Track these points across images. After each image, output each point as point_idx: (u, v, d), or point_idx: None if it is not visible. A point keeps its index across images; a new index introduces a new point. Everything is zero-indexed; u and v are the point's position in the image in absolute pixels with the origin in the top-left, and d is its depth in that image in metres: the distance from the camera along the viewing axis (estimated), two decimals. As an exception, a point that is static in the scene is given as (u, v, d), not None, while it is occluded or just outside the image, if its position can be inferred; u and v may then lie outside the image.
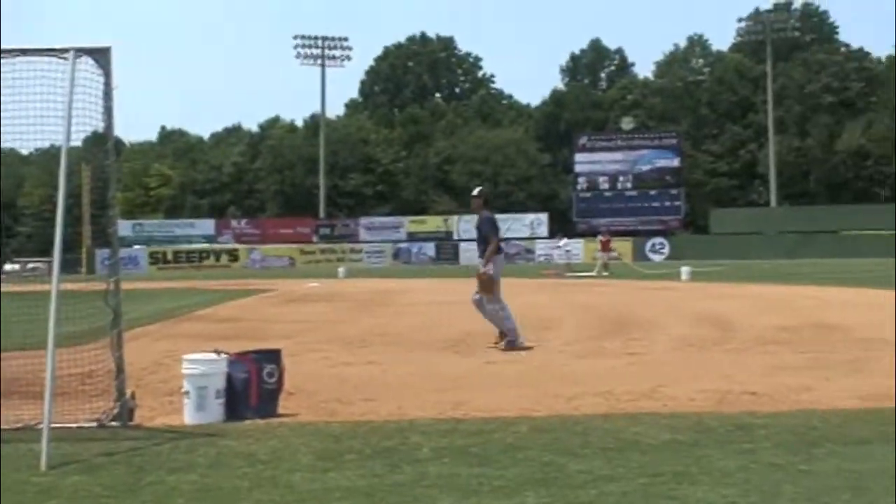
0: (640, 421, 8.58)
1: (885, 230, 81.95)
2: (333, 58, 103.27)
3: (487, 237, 15.28)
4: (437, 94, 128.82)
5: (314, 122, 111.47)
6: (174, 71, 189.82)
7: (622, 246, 70.13)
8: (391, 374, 12.36)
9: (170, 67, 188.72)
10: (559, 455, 7.22)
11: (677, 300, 28.05)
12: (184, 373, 9.06)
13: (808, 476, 6.56)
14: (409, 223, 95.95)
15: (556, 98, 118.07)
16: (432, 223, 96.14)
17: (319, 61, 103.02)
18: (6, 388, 9.49)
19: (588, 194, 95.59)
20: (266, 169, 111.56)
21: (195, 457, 7.40)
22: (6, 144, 9.65)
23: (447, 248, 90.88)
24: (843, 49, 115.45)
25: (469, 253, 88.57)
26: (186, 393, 8.97)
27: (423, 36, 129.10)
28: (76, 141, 8.66)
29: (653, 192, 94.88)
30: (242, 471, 6.94)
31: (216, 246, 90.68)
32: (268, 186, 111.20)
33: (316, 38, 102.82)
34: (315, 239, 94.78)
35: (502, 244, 15.86)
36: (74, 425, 8.57)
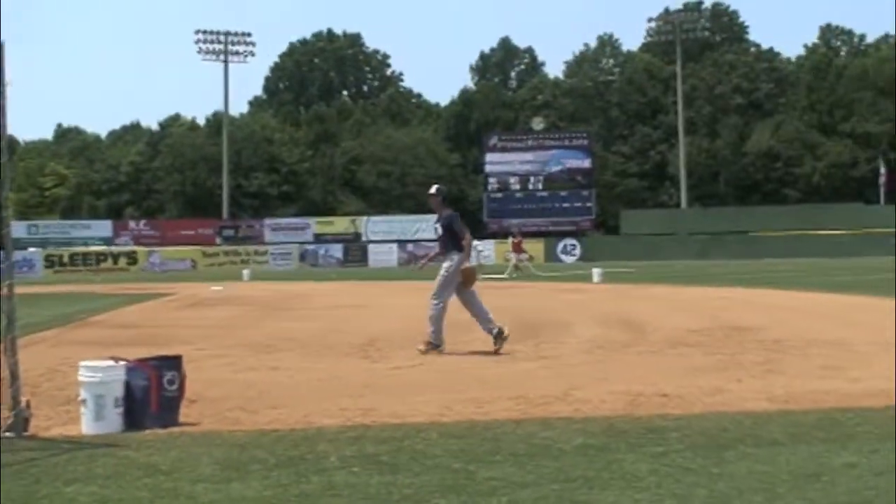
0: (551, 425, 8.61)
1: (793, 230, 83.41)
2: (237, 53, 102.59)
3: (460, 234, 15.32)
4: (345, 92, 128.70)
5: (216, 120, 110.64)
6: (70, 66, 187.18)
7: (534, 247, 70.51)
8: (297, 380, 12.27)
9: (66, 62, 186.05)
10: (470, 462, 7.22)
11: (589, 302, 28.26)
12: (80, 380, 8.90)
13: (720, 479, 6.63)
14: (315, 224, 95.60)
15: (465, 97, 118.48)
16: (340, 224, 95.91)
17: (222, 57, 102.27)
18: None
19: (499, 195, 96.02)
20: (166, 168, 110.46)
21: (93, 468, 7.28)
22: None
23: (355, 250, 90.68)
24: (752, 49, 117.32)
25: (379, 255, 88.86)
26: (84, 401, 8.82)
27: (330, 32, 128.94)
28: (-33, 139, 8.48)
29: (564, 193, 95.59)
30: (142, 482, 6.84)
31: (114, 248, 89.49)
32: (168, 186, 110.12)
33: (218, 33, 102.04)
34: (218, 241, 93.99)
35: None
36: (-34, 436, 8.39)
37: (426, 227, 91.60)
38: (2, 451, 7.78)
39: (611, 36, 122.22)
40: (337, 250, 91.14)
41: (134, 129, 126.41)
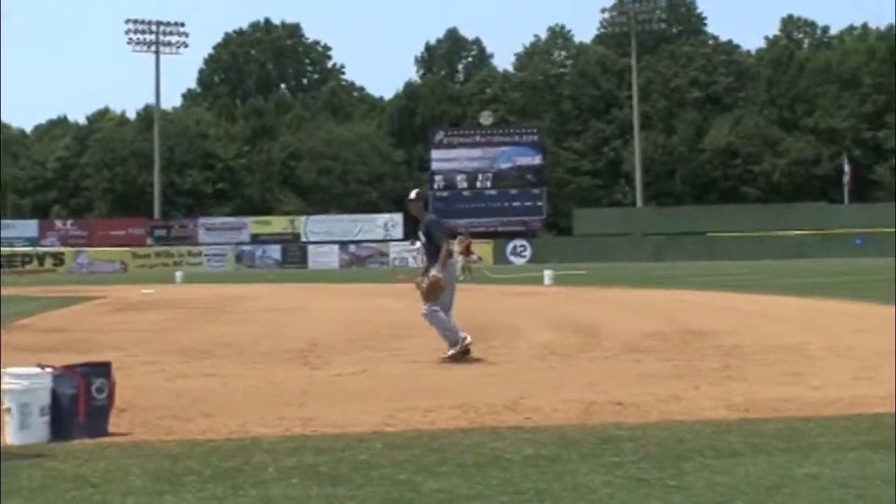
0: (500, 435, 8.62)
1: (753, 232, 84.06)
2: (168, 44, 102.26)
3: (439, 242, 14.99)
4: (283, 85, 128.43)
5: (147, 114, 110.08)
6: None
7: (482, 249, 70.64)
8: (233, 387, 12.23)
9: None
10: (415, 473, 7.22)
11: (540, 305, 28.37)
12: (4, 388, 8.82)
13: (677, 491, 6.66)
14: (252, 224, 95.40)
15: (410, 91, 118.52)
16: (278, 224, 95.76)
17: (153, 48, 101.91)
18: None
19: (445, 193, 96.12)
20: (94, 165, 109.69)
21: (18, 480, 7.21)
22: None
23: (294, 251, 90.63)
24: (710, 42, 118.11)
25: (319, 257, 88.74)
26: (7, 410, 8.74)
27: (267, 22, 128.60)
28: None
29: (513, 192, 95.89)
30: (70, 494, 6.79)
31: (40, 249, 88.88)
32: (96, 184, 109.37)
33: (149, 22, 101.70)
34: (149, 241, 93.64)
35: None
36: None
37: (368, 227, 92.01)
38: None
39: (563, 27, 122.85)
40: (275, 251, 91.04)
41: (60, 123, 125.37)
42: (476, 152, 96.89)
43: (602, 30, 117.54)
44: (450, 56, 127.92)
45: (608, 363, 14.14)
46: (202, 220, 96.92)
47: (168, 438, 8.78)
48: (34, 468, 7.58)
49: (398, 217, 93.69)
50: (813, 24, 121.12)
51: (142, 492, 6.84)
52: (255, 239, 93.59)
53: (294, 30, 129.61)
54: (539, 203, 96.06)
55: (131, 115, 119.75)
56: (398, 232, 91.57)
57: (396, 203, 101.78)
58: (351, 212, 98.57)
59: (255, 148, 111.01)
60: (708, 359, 14.28)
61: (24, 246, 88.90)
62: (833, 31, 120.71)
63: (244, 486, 6.93)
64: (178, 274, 59.36)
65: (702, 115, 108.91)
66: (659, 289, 36.14)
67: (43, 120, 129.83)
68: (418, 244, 55.35)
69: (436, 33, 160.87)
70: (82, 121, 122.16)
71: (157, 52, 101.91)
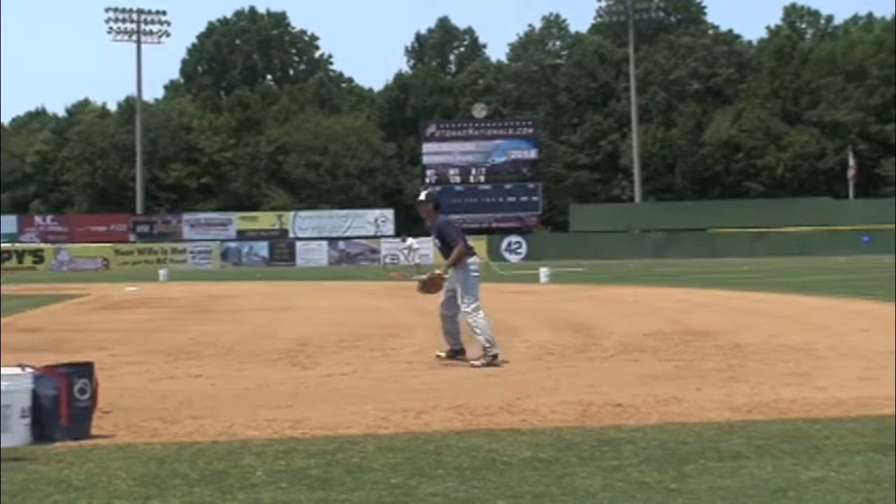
0: (497, 437, 8.64)
1: (755, 228, 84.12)
2: (150, 33, 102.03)
3: (454, 244, 14.78)
4: (269, 76, 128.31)
5: (129, 106, 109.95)
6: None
7: (475, 245, 70.53)
8: (220, 388, 12.24)
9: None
10: (409, 476, 7.23)
11: (536, 304, 28.41)
12: (-17, 390, 8.84)
13: (679, 495, 6.68)
14: (238, 220, 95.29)
15: (400, 82, 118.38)
16: (265, 220, 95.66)
17: (135, 37, 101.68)
18: None
19: (437, 188, 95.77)
20: (75, 158, 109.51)
21: (0, 484, 7.23)
22: None
23: (282, 248, 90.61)
24: (710, 31, 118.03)
25: (308, 254, 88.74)
26: (-13, 412, 8.76)
27: (252, 10, 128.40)
28: None
29: (508, 186, 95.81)
30: (53, 499, 6.80)
31: (18, 245, 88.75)
32: (77, 178, 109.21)
33: (130, 10, 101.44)
34: (132, 237, 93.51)
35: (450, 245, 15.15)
36: None
37: (358, 223, 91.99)
38: None
39: (557, 16, 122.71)
40: (262, 248, 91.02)
41: (39, 115, 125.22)
42: (469, 146, 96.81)
43: (598, 19, 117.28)
44: (441, 46, 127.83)
45: (607, 364, 14.17)
46: (186, 216, 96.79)
47: (153, 441, 8.79)
48: (15, 471, 7.58)
49: (389, 213, 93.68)
50: (816, 14, 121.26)
51: (127, 496, 6.85)
52: (242, 235, 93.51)
53: (280, 19, 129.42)
54: (534, 198, 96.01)
55: (112, 106, 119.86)
56: (389, 228, 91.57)
57: (387, 198, 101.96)
58: (340, 207, 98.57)
59: (240, 141, 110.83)
60: (709, 359, 14.32)
61: (2, 242, 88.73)
62: (837, 21, 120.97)
63: (232, 489, 6.94)
64: (162, 272, 59.30)
65: (702, 107, 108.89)
66: (658, 287, 36.20)
67: (21, 112, 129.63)
68: (410, 241, 55.04)
69: (427, 23, 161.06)
70: (62, 113, 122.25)
71: (138, 42, 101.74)
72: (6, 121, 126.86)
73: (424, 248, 57.57)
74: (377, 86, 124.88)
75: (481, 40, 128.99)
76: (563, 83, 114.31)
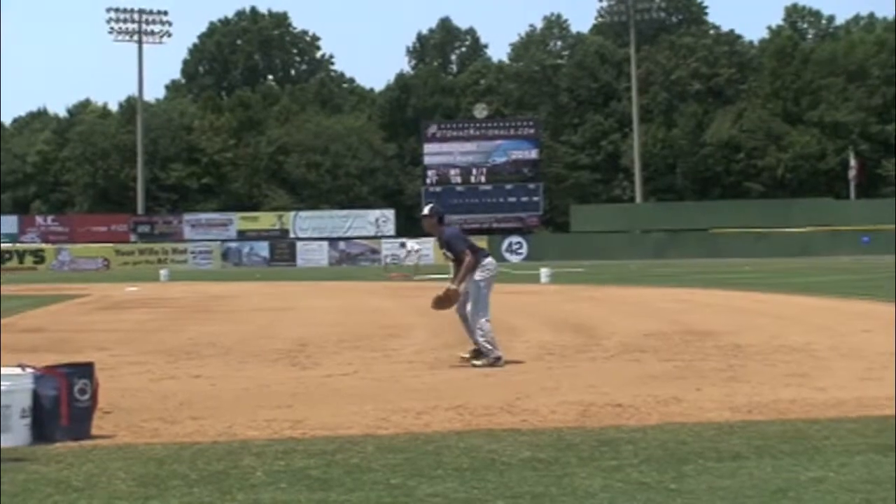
0: (497, 437, 8.64)
1: (756, 228, 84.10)
2: (151, 33, 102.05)
3: (462, 256, 14.71)
4: (270, 77, 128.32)
5: (130, 106, 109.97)
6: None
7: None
8: (220, 388, 12.25)
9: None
10: (409, 477, 7.23)
11: (536, 304, 28.40)
12: (-16, 390, 8.84)
13: (678, 495, 6.68)
14: (239, 220, 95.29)
15: (402, 82, 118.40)
16: (265, 220, 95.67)
17: (136, 37, 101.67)
18: None
19: (438, 189, 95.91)
20: (76, 159, 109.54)
21: (0, 484, 7.23)
22: None
23: (283, 248, 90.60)
24: (712, 32, 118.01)
25: (308, 254, 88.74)
26: (-13, 412, 8.76)
27: (254, 11, 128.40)
28: None
29: (509, 187, 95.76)
30: (53, 499, 6.80)
31: (19, 245, 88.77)
32: (78, 178, 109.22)
33: (132, 10, 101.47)
34: (133, 238, 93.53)
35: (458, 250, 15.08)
36: None
37: (359, 223, 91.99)
38: None
39: (559, 16, 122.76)
40: (262, 248, 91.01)
41: (40, 115, 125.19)
42: (470, 146, 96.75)
43: (600, 19, 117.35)
44: (443, 46, 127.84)
45: (607, 364, 14.18)
46: (187, 216, 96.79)
47: (154, 441, 8.79)
48: (15, 472, 7.58)
49: (390, 213, 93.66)
50: (818, 14, 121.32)
51: (127, 496, 6.85)
52: (242, 235, 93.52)
53: (281, 19, 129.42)
54: (535, 198, 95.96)
55: (113, 107, 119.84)
56: (390, 228, 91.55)
57: (388, 198, 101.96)
58: (341, 207, 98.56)
59: (241, 141, 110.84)
60: (710, 359, 14.32)
61: (3, 242, 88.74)
62: (839, 22, 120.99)
63: (232, 490, 6.94)
64: (163, 272, 59.29)
65: (703, 107, 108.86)
66: (659, 287, 36.20)
67: (22, 112, 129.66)
68: (410, 245, 55.02)
69: (428, 23, 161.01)
70: (63, 113, 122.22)
71: (139, 42, 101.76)
72: (7, 121, 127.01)
73: (425, 248, 57.67)
74: (378, 86, 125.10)
75: (482, 40, 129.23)
76: (565, 83, 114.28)
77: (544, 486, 6.91)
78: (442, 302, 14.83)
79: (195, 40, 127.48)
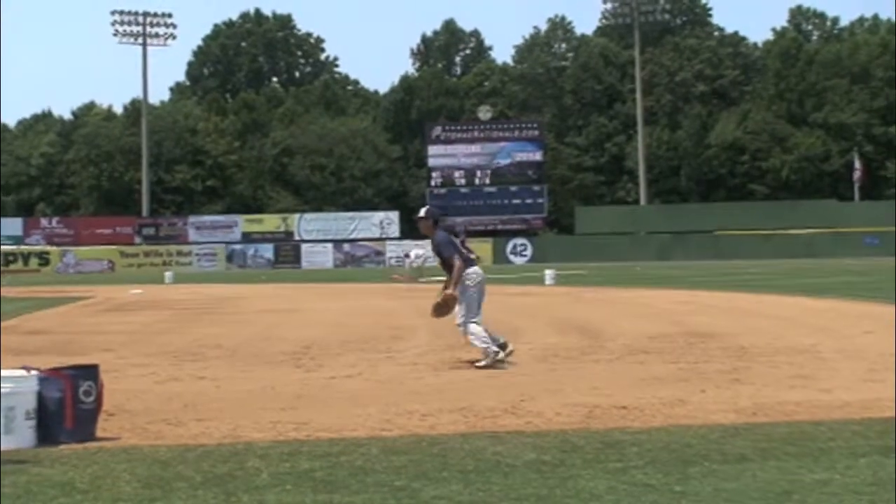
0: (501, 440, 8.64)
1: (761, 230, 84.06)
2: (156, 36, 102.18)
3: (450, 261, 14.83)
4: (275, 79, 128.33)
5: (135, 109, 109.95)
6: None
7: (481, 248, 70.50)
8: (225, 390, 12.25)
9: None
10: (414, 479, 7.23)
11: (541, 306, 28.40)
12: (-12, 392, 8.84)
13: (683, 497, 6.67)
14: (243, 222, 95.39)
15: (406, 84, 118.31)
16: (270, 222, 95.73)
17: (140, 40, 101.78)
18: None
19: (443, 190, 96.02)
20: (80, 161, 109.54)
21: (2, 486, 7.22)
22: None
23: (287, 250, 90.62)
24: (716, 33, 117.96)
25: (313, 256, 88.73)
26: (-8, 414, 8.75)
27: (258, 13, 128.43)
28: None
29: (513, 189, 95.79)
30: (57, 501, 6.80)
31: (24, 247, 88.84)
32: (82, 181, 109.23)
33: (136, 13, 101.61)
34: (137, 240, 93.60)
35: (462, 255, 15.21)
36: None
37: (363, 225, 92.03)
38: None
39: (563, 18, 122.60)
40: (267, 250, 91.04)
41: (45, 117, 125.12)
42: (474, 148, 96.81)
43: (604, 21, 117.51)
44: (447, 48, 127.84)
45: (611, 366, 14.16)
46: (192, 219, 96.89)
47: (158, 443, 8.80)
48: (19, 474, 7.58)
49: (394, 215, 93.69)
50: (822, 16, 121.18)
51: (132, 498, 6.85)
52: (247, 238, 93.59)
53: (285, 21, 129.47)
54: (540, 200, 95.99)
55: (118, 109, 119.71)
56: (394, 230, 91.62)
57: (392, 200, 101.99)
58: (345, 209, 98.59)
59: (246, 144, 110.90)
60: (714, 361, 14.31)
61: (7, 245, 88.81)
62: (843, 23, 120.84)
63: (237, 492, 6.94)
64: (168, 274, 59.38)
65: (707, 109, 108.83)
66: (663, 289, 36.17)
67: (27, 114, 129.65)
68: (413, 253, 55.13)
69: (432, 25, 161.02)
70: (67, 115, 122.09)
71: (144, 45, 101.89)
72: (12, 123, 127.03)
73: (429, 251, 57.56)
74: (382, 88, 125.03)
75: (487, 42, 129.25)
76: (569, 85, 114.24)
77: (549, 489, 6.91)
78: (441, 308, 14.85)
79: (199, 43, 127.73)
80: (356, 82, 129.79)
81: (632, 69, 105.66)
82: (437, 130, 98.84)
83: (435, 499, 6.71)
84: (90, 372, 9.27)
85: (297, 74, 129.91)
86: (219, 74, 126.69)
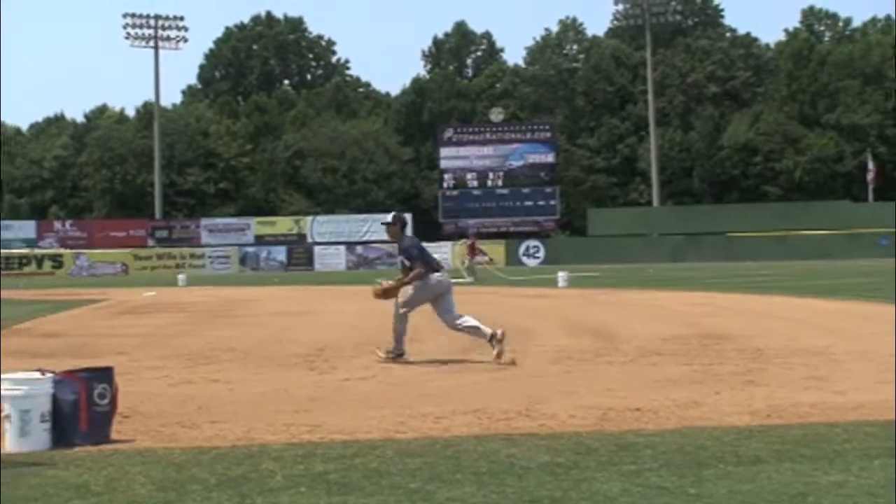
0: (515, 442, 8.64)
1: (774, 231, 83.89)
2: (168, 39, 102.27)
3: (415, 264, 15.42)
4: (286, 81, 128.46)
5: (147, 111, 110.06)
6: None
7: (493, 250, 70.42)
8: (239, 393, 12.26)
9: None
10: (428, 481, 7.23)
11: (554, 308, 28.36)
12: (3, 394, 8.85)
13: (698, 500, 6.66)
14: (256, 225, 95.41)
15: (418, 87, 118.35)
16: (282, 225, 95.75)
17: (152, 43, 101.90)
18: None
19: (455, 192, 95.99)
20: (93, 164, 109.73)
21: (18, 489, 7.23)
22: None
23: (300, 253, 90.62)
24: (728, 35, 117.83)
25: (325, 258, 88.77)
26: (7, 417, 8.76)
27: (269, 15, 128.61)
28: None
29: (526, 191, 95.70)
30: (72, 503, 6.82)
31: (38, 250, 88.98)
32: (95, 184, 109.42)
33: (148, 16, 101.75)
34: (150, 242, 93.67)
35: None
36: None
37: (376, 227, 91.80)
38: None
39: (574, 20, 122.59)
40: (280, 253, 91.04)
41: (57, 121, 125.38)
42: (487, 150, 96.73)
43: (615, 23, 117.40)
44: (458, 50, 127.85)
45: (625, 368, 14.15)
46: (204, 221, 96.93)
47: (172, 446, 8.81)
48: (34, 476, 7.60)
49: (407, 217, 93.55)
50: (835, 17, 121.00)
51: (146, 500, 6.87)
52: (260, 240, 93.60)
53: (297, 24, 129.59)
54: (552, 202, 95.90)
55: (130, 112, 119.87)
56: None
57: (404, 202, 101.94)
58: (357, 211, 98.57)
59: (258, 146, 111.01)
60: (728, 363, 14.29)
61: (21, 247, 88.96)
62: (855, 24, 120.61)
63: (251, 494, 6.95)
64: (181, 276, 59.38)
65: (720, 110, 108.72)
66: (677, 291, 36.11)
67: (39, 118, 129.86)
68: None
69: (444, 27, 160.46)
70: (80, 118, 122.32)
71: (156, 48, 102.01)
72: (24, 126, 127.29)
73: (443, 252, 57.66)
74: (394, 90, 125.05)
75: (498, 44, 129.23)
76: (581, 87, 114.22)
77: (563, 491, 6.90)
78: (382, 293, 16.07)
79: (211, 45, 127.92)
80: (368, 85, 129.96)
81: (644, 70, 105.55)
82: (449, 132, 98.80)
83: (449, 501, 6.71)
84: (105, 374, 9.29)
85: (308, 77, 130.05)
86: (230, 77, 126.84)
